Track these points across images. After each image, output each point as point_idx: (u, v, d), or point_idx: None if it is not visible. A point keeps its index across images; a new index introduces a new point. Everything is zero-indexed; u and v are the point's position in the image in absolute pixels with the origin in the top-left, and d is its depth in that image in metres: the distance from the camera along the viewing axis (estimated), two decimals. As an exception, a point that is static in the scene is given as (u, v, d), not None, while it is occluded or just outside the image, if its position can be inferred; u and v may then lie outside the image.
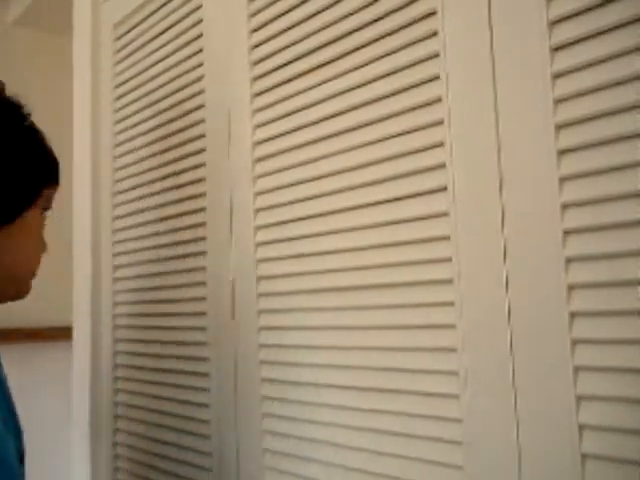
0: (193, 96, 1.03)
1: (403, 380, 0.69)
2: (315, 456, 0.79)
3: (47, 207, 0.78)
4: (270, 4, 0.87)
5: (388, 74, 0.71)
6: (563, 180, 0.56)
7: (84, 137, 1.33)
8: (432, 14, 0.67)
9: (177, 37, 1.07)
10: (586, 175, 0.55)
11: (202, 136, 1.00)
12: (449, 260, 0.65)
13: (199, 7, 1.02)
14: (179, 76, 1.06)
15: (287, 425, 0.83)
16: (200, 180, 1.01)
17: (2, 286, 0.73)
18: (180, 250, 1.05)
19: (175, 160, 1.07)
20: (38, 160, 0.76)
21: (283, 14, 0.85)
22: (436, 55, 0.66)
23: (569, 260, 0.55)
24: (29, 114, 0.76)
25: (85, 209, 1.31)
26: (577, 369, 0.55)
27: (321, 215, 0.79)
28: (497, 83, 0.61)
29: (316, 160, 0.80)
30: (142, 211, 1.15)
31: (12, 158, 0.71)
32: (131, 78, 1.21)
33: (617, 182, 0.53)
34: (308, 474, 0.80)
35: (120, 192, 1.23)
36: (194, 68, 1.03)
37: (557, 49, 0.57)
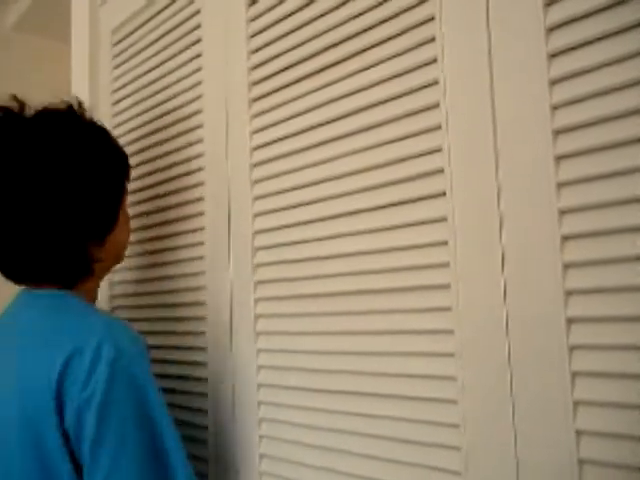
0: (191, 101, 1.03)
1: (401, 385, 0.69)
2: (311, 461, 0.78)
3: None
4: (268, 10, 0.88)
5: (386, 79, 0.72)
6: (561, 186, 0.56)
7: (82, 142, 1.33)
8: (430, 20, 0.67)
9: (175, 42, 1.07)
10: (584, 181, 0.55)
11: (200, 141, 1.01)
12: (447, 265, 0.65)
13: (197, 12, 1.02)
14: (177, 81, 1.07)
15: (283, 430, 0.83)
16: (198, 184, 1.01)
17: (109, 263, 0.93)
18: (179, 255, 1.05)
19: (173, 165, 1.07)
20: (118, 159, 0.92)
21: (281, 20, 0.86)
22: (434, 60, 0.67)
23: (567, 266, 0.55)
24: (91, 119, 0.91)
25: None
26: (575, 374, 0.55)
27: (319, 220, 0.79)
28: (495, 89, 0.61)
29: (314, 165, 0.80)
30: (140, 215, 1.15)
31: (104, 168, 0.87)
32: (129, 83, 1.21)
33: (615, 188, 0.53)
34: (304, 479, 0.79)
35: (118, 197, 1.23)
36: (192, 73, 1.03)
37: (555, 55, 0.57)
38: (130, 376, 0.73)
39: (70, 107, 0.88)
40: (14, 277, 0.85)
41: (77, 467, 0.72)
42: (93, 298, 0.92)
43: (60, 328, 0.78)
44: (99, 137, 0.89)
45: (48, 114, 0.86)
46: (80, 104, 0.90)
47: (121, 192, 0.92)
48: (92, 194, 0.84)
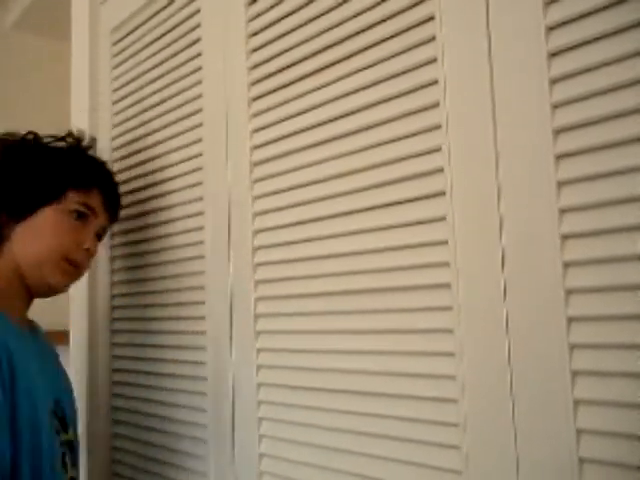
0: (191, 100, 1.03)
1: (401, 384, 0.69)
2: (311, 461, 0.78)
3: (80, 211, 0.95)
4: (268, 9, 0.88)
5: (386, 79, 0.72)
6: (561, 184, 0.56)
7: (82, 141, 1.33)
8: (430, 19, 0.67)
9: (175, 41, 1.07)
10: (584, 180, 0.55)
11: (200, 140, 1.01)
12: (447, 265, 0.65)
13: (197, 11, 1.02)
14: (177, 80, 1.07)
15: (283, 429, 0.83)
16: (198, 184, 1.01)
17: (29, 274, 0.91)
18: (179, 254, 1.05)
19: (173, 164, 1.07)
20: (60, 165, 0.95)
21: (281, 19, 0.86)
22: (434, 60, 0.67)
23: (567, 265, 0.55)
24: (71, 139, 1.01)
25: (83, 213, 1.31)
26: (575, 373, 0.55)
27: (320, 219, 0.79)
28: (495, 88, 0.61)
29: (314, 164, 0.80)
30: (139, 215, 1.15)
31: (27, 166, 0.93)
32: (129, 82, 1.21)
33: (615, 187, 0.53)
34: (304, 478, 0.79)
35: (118, 196, 1.23)
36: (192, 72, 1.03)
37: (555, 54, 0.57)
38: None
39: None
40: None
41: None
42: (7, 281, 0.91)
43: None
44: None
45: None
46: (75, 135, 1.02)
47: (51, 190, 0.92)
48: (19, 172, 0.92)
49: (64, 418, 0.92)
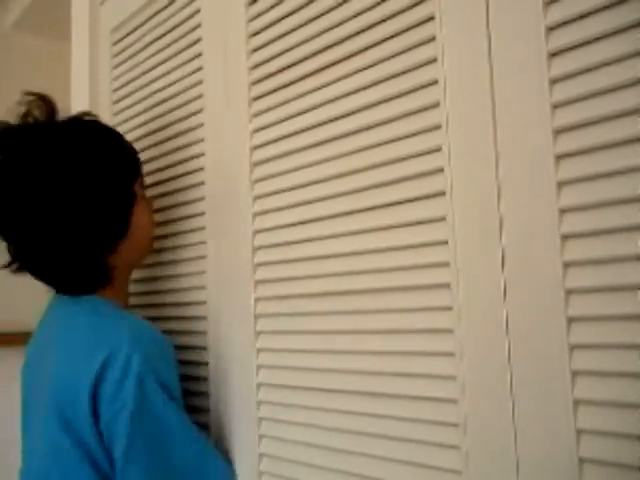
0: (191, 100, 1.03)
1: (401, 385, 0.69)
2: (311, 461, 0.78)
3: (143, 189, 0.99)
4: (268, 9, 0.88)
5: (386, 79, 0.72)
6: (561, 185, 0.56)
7: (82, 141, 1.33)
8: (430, 19, 0.67)
9: (175, 41, 1.07)
10: (584, 180, 0.55)
11: (200, 140, 1.01)
12: (447, 265, 0.65)
13: (197, 11, 1.02)
14: (177, 80, 1.07)
15: (283, 429, 0.83)
16: (199, 184, 1.01)
17: (138, 259, 1.00)
18: (180, 254, 1.05)
19: (173, 164, 1.07)
20: (126, 163, 0.94)
21: (281, 19, 0.86)
22: (434, 60, 0.67)
23: (567, 265, 0.55)
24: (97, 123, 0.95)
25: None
26: (575, 374, 0.55)
27: (320, 219, 0.79)
28: (495, 88, 0.61)
29: (314, 164, 0.80)
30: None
31: (110, 175, 0.89)
32: (129, 82, 1.21)
33: (615, 187, 0.53)
34: (304, 478, 0.79)
35: (118, 196, 1.23)
36: (192, 72, 1.03)
37: (555, 54, 0.57)
38: (154, 392, 0.81)
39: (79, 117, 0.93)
40: (53, 287, 0.93)
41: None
42: (122, 296, 0.97)
43: (92, 332, 0.85)
44: (104, 150, 0.91)
45: (62, 125, 0.90)
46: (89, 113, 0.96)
47: (128, 200, 0.93)
48: (100, 208, 0.87)
49: None
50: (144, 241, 0.99)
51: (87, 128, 0.92)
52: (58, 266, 0.87)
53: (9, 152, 0.85)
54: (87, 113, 0.96)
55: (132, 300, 1.17)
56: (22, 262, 0.88)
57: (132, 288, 1.16)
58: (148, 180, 1.12)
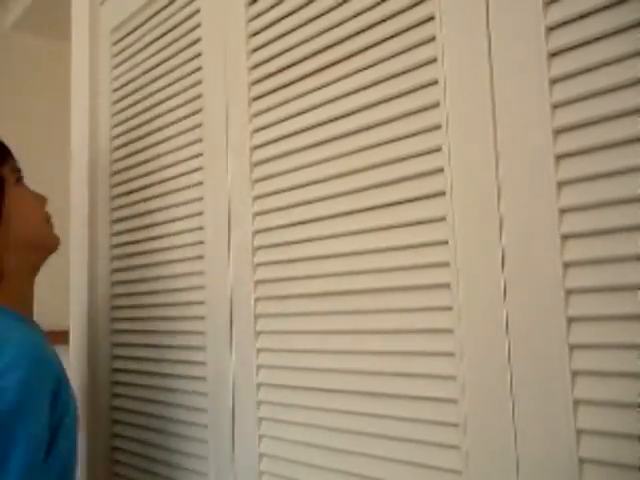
0: (191, 100, 1.03)
1: (401, 385, 0.69)
2: (311, 461, 0.78)
3: (18, 177, 0.93)
4: (268, 9, 0.88)
5: (386, 79, 0.72)
6: (561, 185, 0.56)
7: (82, 141, 1.33)
8: (430, 19, 0.67)
9: (175, 41, 1.08)
10: (584, 180, 0.55)
11: (200, 140, 1.01)
12: (447, 265, 0.65)
13: (197, 11, 1.02)
14: (177, 80, 1.07)
15: (283, 429, 0.83)
16: (198, 184, 1.01)
17: (28, 254, 0.92)
18: (179, 254, 1.05)
19: (173, 164, 1.07)
20: None
21: (281, 19, 0.86)
22: (434, 60, 0.67)
23: (567, 265, 0.55)
24: None
25: (82, 212, 1.31)
26: (575, 373, 0.55)
27: (320, 219, 0.79)
28: (495, 88, 0.61)
29: (314, 164, 0.80)
30: (140, 215, 1.15)
31: None
32: (129, 82, 1.21)
33: (615, 187, 0.53)
34: (304, 478, 0.79)
35: (118, 196, 1.23)
36: (192, 72, 1.03)
37: (555, 54, 0.57)
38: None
39: None
40: None
41: None
42: (17, 301, 0.90)
43: None
44: None
45: None
46: None
47: None
48: None
49: None
50: (25, 232, 0.91)
51: None
52: None
53: None
54: None
55: (132, 300, 1.17)
56: None
57: (131, 288, 1.17)
58: (147, 180, 1.12)
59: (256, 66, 0.90)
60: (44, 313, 1.94)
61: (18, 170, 0.95)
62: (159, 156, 1.10)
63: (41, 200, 0.99)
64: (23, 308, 0.91)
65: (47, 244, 0.96)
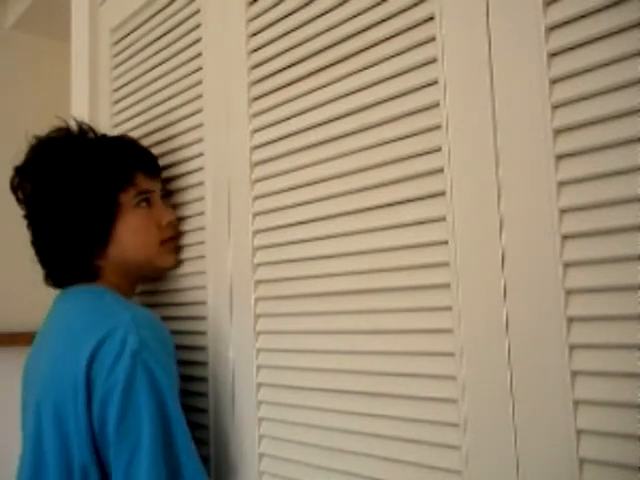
0: (191, 101, 1.03)
1: (401, 385, 0.69)
2: (311, 461, 0.78)
3: (140, 200, 0.98)
4: (268, 9, 0.88)
5: (386, 79, 0.72)
6: (561, 185, 0.56)
7: (82, 141, 1.33)
8: (430, 19, 0.67)
9: (175, 42, 1.08)
10: (584, 180, 0.55)
11: (200, 140, 1.01)
12: (447, 265, 0.65)
13: (197, 12, 1.02)
14: (177, 81, 1.07)
15: (283, 429, 0.83)
16: (198, 184, 1.01)
17: (136, 270, 1.00)
18: (179, 254, 1.05)
19: (173, 164, 1.07)
20: (107, 176, 0.94)
21: (281, 19, 0.86)
22: (434, 60, 0.67)
23: (567, 265, 0.55)
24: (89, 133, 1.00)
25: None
26: (575, 374, 0.55)
27: (319, 219, 0.79)
28: (495, 88, 0.61)
29: (314, 164, 0.80)
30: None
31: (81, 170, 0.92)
32: (129, 82, 1.21)
33: (615, 187, 0.53)
34: (304, 478, 0.79)
35: (118, 196, 1.23)
36: (192, 73, 1.03)
37: (555, 54, 0.57)
38: (149, 370, 0.79)
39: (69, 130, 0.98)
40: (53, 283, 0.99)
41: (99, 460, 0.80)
42: (125, 293, 0.97)
43: (92, 315, 0.87)
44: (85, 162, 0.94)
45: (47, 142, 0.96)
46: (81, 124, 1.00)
47: (108, 209, 0.93)
48: (77, 215, 0.92)
49: None
50: (134, 249, 0.97)
51: (84, 144, 0.97)
52: (49, 257, 0.96)
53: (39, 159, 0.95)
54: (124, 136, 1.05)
55: (131, 301, 1.17)
56: (35, 248, 0.97)
57: (132, 288, 1.16)
58: (148, 180, 1.12)
59: (256, 66, 0.90)
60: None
61: (144, 192, 0.98)
62: (159, 156, 1.10)
63: (157, 213, 1.00)
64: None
65: (156, 266, 1.01)
